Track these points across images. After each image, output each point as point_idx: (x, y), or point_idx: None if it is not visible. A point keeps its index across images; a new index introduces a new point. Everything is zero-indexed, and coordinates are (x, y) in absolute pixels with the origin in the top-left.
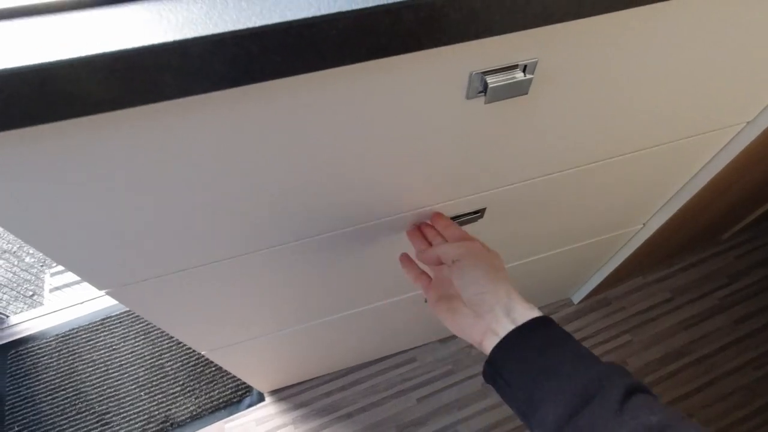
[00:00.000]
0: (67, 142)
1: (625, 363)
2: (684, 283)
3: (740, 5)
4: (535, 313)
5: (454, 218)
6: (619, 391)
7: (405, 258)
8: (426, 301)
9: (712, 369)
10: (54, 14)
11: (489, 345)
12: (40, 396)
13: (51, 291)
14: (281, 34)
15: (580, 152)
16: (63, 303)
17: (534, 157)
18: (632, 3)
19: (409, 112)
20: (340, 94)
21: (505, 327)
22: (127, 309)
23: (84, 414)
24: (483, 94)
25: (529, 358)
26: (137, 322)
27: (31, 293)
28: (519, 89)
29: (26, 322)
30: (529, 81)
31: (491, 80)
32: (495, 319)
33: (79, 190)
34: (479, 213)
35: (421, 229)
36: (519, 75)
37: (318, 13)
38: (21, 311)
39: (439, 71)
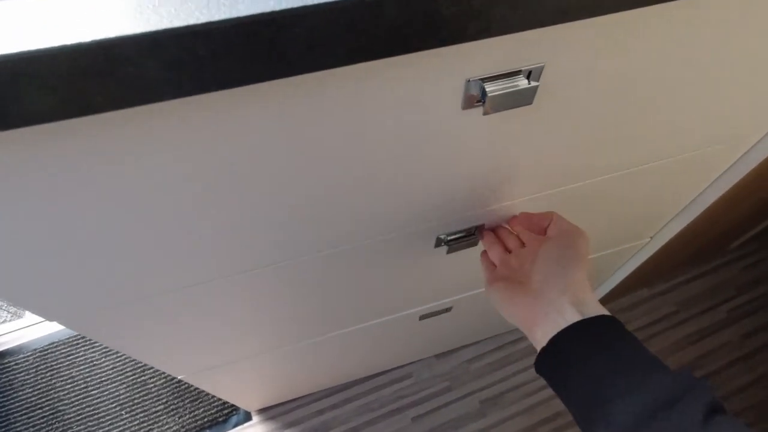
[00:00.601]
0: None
1: None
2: (690, 295)
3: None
4: (605, 312)
5: (451, 240)
6: (703, 404)
7: (488, 234)
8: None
9: (720, 386)
10: None
11: (547, 331)
12: (15, 415)
13: None
14: (230, 33)
15: (586, 167)
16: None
17: (538, 171)
18: None
19: (394, 125)
20: (314, 105)
21: (571, 316)
22: None
23: None
24: (481, 103)
25: (596, 353)
26: None
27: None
28: (522, 99)
29: (4, 335)
30: (534, 89)
31: (490, 88)
32: (561, 305)
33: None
34: (478, 229)
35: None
36: (523, 82)
37: (278, 7)
38: (3, 322)
39: (431, 78)
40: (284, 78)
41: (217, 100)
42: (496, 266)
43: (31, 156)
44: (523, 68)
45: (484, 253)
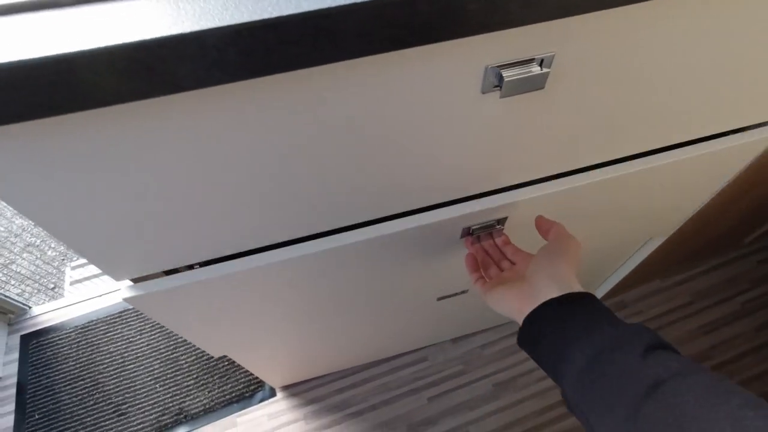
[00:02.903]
0: (89, 133)
1: None
2: (704, 287)
3: None
4: (582, 290)
5: (476, 229)
6: (644, 342)
7: (472, 260)
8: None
9: (732, 376)
10: (77, 6)
11: (529, 308)
12: (59, 386)
13: (71, 284)
14: (298, 25)
15: (597, 150)
16: (82, 295)
17: (551, 150)
18: None
19: (425, 105)
20: (357, 85)
21: (550, 295)
22: None
23: (101, 404)
24: (498, 88)
25: (566, 319)
26: None
27: (52, 286)
28: (535, 83)
29: (47, 314)
30: (546, 75)
31: (507, 74)
32: (545, 289)
33: (101, 180)
34: (501, 223)
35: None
36: (535, 69)
37: (334, 4)
38: (43, 302)
39: (455, 64)
40: (335, 63)
41: (280, 81)
42: (486, 280)
43: (131, 131)
44: (536, 56)
45: (476, 273)
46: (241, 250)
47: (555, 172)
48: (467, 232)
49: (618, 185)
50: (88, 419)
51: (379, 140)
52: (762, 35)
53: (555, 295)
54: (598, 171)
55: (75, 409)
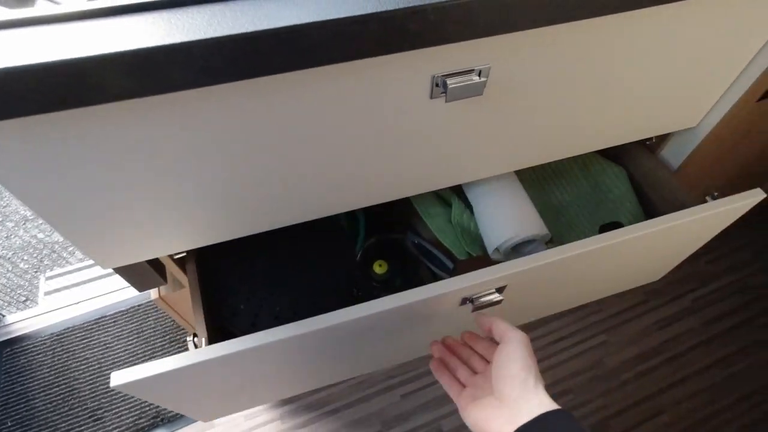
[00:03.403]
0: (92, 127)
1: (600, 362)
2: (658, 286)
3: (688, 19)
4: (558, 407)
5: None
6: None
7: (437, 365)
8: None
9: (684, 368)
10: (89, 20)
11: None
12: (33, 392)
13: (47, 294)
14: (270, 38)
15: (535, 150)
16: (59, 303)
17: (493, 150)
18: (576, 15)
19: (384, 107)
20: (321, 91)
21: (526, 415)
22: (122, 309)
23: (76, 410)
24: (444, 94)
25: None
26: (131, 322)
27: (24, 299)
28: (474, 90)
29: (22, 322)
30: (483, 83)
31: (451, 82)
32: (517, 409)
33: (98, 169)
34: (500, 291)
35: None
36: (475, 78)
37: (299, 22)
38: (17, 311)
39: (407, 73)
40: (300, 70)
41: (259, 84)
42: (460, 385)
43: (130, 125)
44: (474, 68)
45: (454, 387)
46: (214, 242)
47: (500, 172)
48: (467, 301)
49: (609, 252)
50: (63, 425)
51: (346, 138)
52: (676, 49)
53: (525, 420)
54: (586, 241)
55: (49, 415)
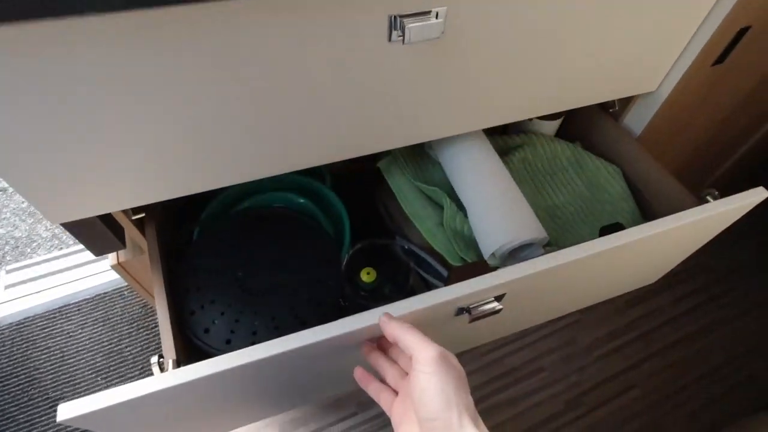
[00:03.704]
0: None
1: (574, 340)
2: None
3: None
4: None
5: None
6: None
7: (361, 373)
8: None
9: (654, 343)
10: None
11: None
12: None
13: (6, 287)
14: None
15: (498, 107)
16: (18, 293)
17: (458, 106)
18: None
19: (339, 51)
20: (275, 28)
21: None
22: (87, 297)
23: (36, 400)
24: (402, 36)
25: None
26: (97, 310)
27: None
28: (432, 31)
29: None
30: (441, 25)
31: (408, 22)
32: None
33: (45, 104)
34: (499, 299)
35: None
36: (432, 20)
37: None
38: None
39: (364, 13)
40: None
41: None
42: (392, 393)
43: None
44: (432, 9)
45: (383, 393)
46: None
47: (465, 130)
48: (464, 311)
49: (613, 255)
50: (21, 416)
51: (306, 84)
52: (632, 6)
53: None
54: (588, 244)
55: (7, 407)
